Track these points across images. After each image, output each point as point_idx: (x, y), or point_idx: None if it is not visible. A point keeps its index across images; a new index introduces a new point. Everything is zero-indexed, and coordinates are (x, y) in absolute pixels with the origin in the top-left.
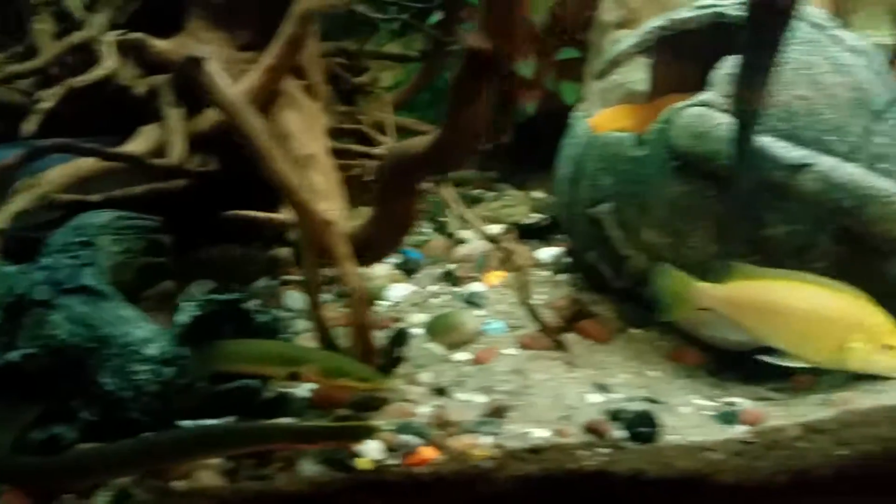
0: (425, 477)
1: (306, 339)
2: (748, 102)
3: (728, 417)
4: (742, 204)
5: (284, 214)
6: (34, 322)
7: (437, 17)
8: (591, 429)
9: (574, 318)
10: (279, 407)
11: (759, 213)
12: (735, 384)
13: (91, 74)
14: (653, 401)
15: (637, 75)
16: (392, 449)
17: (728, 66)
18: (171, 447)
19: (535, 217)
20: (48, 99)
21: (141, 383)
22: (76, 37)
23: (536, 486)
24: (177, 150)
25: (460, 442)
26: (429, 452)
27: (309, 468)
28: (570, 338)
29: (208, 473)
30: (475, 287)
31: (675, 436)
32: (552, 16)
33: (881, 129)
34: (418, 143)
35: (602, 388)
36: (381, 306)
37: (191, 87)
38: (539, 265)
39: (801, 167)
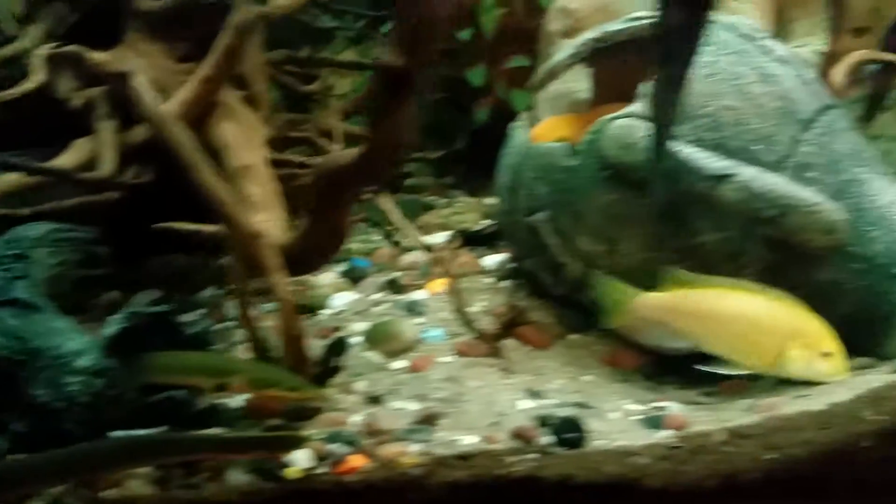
0: (355, 485)
1: (245, 350)
2: (661, 114)
3: (654, 422)
4: (661, 212)
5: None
6: None
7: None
8: (519, 435)
9: (511, 325)
10: (212, 417)
11: (681, 220)
12: (669, 388)
13: (19, 88)
14: (583, 406)
15: (584, 84)
16: (321, 458)
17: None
18: (101, 457)
19: (482, 224)
20: None
21: (73, 395)
22: (8, 49)
23: (466, 493)
24: (107, 164)
25: (390, 450)
26: (358, 461)
27: (238, 477)
28: (508, 344)
29: (138, 482)
30: (418, 295)
31: (601, 441)
32: (501, 25)
33: (808, 137)
34: (347, 155)
35: (535, 394)
36: (324, 315)
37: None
38: (483, 272)
39: (723, 177)
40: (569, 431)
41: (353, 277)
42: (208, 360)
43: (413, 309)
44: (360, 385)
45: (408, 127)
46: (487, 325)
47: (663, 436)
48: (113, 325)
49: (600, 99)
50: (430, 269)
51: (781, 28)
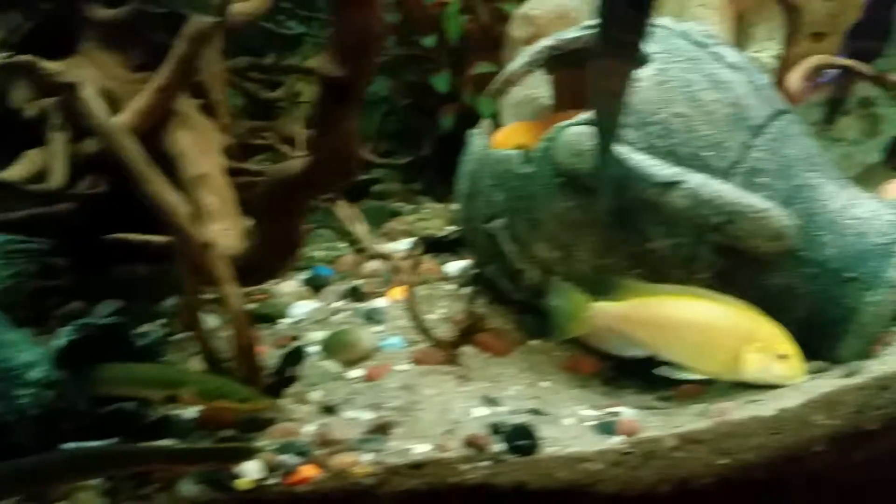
0: (306, 495)
1: (200, 360)
2: (605, 120)
3: (607, 428)
4: (608, 218)
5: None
6: None
7: None
8: (471, 443)
9: (469, 332)
10: (164, 428)
11: (632, 227)
12: (627, 393)
13: None
14: (538, 412)
15: (548, 91)
16: (273, 468)
17: None
18: (50, 469)
19: (446, 230)
20: None
21: (23, 407)
22: None
23: (419, 502)
24: (57, 175)
25: (342, 460)
26: (310, 471)
27: (189, 488)
28: (466, 351)
29: (88, 495)
30: (378, 303)
31: (554, 447)
32: (466, 31)
33: (759, 143)
34: (296, 164)
35: (490, 401)
36: (283, 324)
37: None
38: (446, 278)
39: (671, 184)
40: (520, 438)
41: (315, 286)
42: (158, 372)
43: (372, 317)
44: (316, 395)
45: (357, 136)
46: (446, 332)
47: (615, 441)
48: (62, 337)
49: (560, 105)
50: (392, 277)
51: (742, 33)
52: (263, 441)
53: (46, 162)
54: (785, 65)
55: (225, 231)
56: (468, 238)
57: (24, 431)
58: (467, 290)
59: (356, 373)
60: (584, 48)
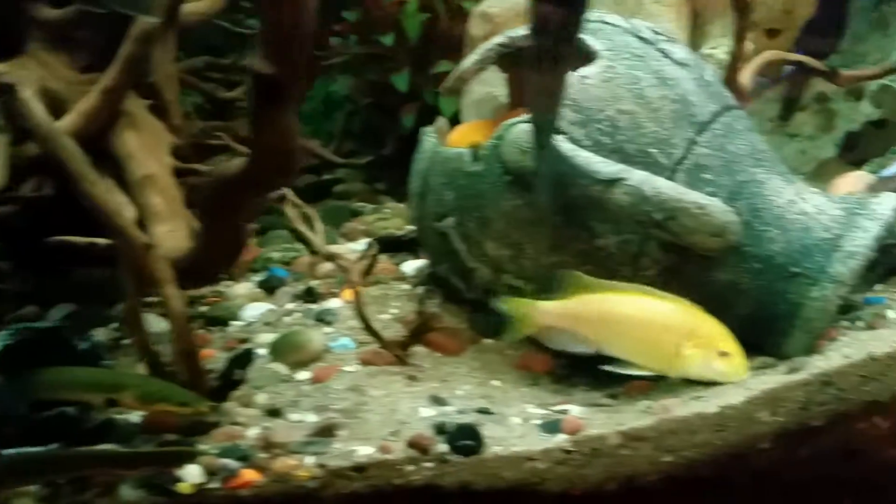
0: (248, 499)
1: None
2: (541, 117)
3: (552, 426)
4: (548, 215)
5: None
6: None
7: None
8: (414, 444)
9: (419, 332)
10: (107, 433)
11: (579, 224)
12: (577, 391)
13: None
14: (485, 411)
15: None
16: (214, 472)
17: None
18: None
19: (405, 230)
20: None
21: None
22: None
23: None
24: None
25: (284, 463)
26: (251, 475)
27: (129, 493)
28: (418, 351)
29: (26, 501)
30: (332, 304)
31: (499, 447)
32: (426, 30)
33: (705, 139)
34: (236, 164)
35: (438, 401)
36: (235, 326)
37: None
38: (402, 278)
39: (614, 181)
40: (464, 438)
41: (270, 287)
42: (97, 376)
43: (324, 318)
44: (262, 398)
45: (296, 133)
46: (396, 332)
47: (560, 440)
48: None
49: (515, 103)
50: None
51: (698, 30)
52: (206, 445)
53: None
54: (735, 61)
55: (171, 232)
56: (421, 237)
57: None
58: (422, 289)
59: (304, 375)
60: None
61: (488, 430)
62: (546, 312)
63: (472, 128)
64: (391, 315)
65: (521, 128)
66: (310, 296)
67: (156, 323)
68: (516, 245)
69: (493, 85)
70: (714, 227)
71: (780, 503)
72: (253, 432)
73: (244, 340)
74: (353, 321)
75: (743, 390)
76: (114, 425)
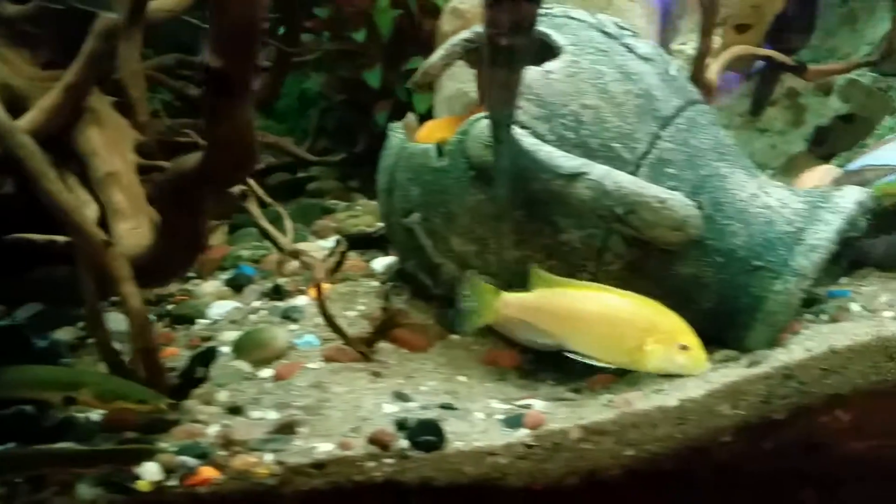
0: (207, 497)
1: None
2: (499, 112)
3: (514, 421)
4: (506, 209)
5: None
6: None
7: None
8: (375, 440)
9: (384, 328)
10: (66, 431)
11: (542, 219)
12: (542, 385)
13: None
14: (448, 407)
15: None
16: (172, 470)
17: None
18: None
19: (376, 227)
20: None
21: None
22: None
23: (325, 500)
24: None
25: (244, 460)
26: (210, 472)
27: (87, 491)
28: (384, 348)
29: None
30: (299, 301)
31: (460, 442)
32: (398, 26)
33: (668, 134)
34: (193, 159)
35: (402, 397)
36: (201, 324)
37: None
38: (372, 275)
39: (575, 176)
40: (425, 434)
41: (237, 285)
42: (55, 374)
43: (290, 315)
44: (223, 395)
45: (252, 127)
46: (363, 329)
47: (521, 435)
48: None
49: (485, 99)
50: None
51: (669, 25)
52: (166, 443)
53: None
54: (702, 57)
55: (134, 230)
56: (389, 234)
57: None
58: (391, 286)
59: (267, 372)
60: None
61: (451, 426)
62: (508, 304)
63: (441, 124)
64: (358, 312)
65: (485, 123)
66: (277, 293)
67: (119, 321)
68: (481, 240)
69: (465, 81)
70: (674, 220)
71: (742, 496)
72: (213, 430)
73: (208, 338)
74: (319, 318)
75: (704, 384)
76: (73, 423)
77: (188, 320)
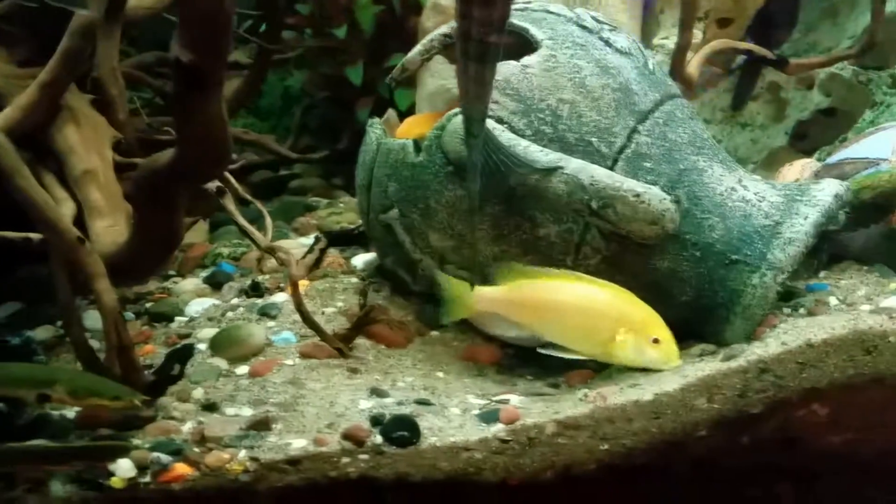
0: (181, 493)
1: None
2: (472, 108)
3: (490, 416)
4: (477, 205)
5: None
6: None
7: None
8: (349, 436)
9: (361, 324)
10: (41, 429)
11: (519, 213)
12: (520, 381)
13: None
14: (425, 402)
15: None
16: (145, 466)
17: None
18: None
19: (356, 224)
20: None
21: None
22: None
23: (300, 496)
24: None
25: (217, 457)
26: (184, 469)
27: (60, 488)
28: (362, 344)
29: None
30: (277, 298)
31: (435, 437)
32: (380, 22)
33: (646, 128)
34: (166, 155)
35: (378, 393)
36: (180, 321)
37: None
38: (352, 271)
39: (551, 170)
40: (400, 430)
41: (217, 282)
42: (28, 371)
43: (268, 312)
44: (199, 392)
45: (224, 122)
46: (341, 325)
47: (497, 430)
48: None
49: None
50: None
51: (651, 20)
52: (140, 439)
53: None
54: (682, 51)
55: (111, 227)
56: (368, 230)
57: None
58: (370, 282)
59: (244, 369)
60: None
61: (426, 421)
62: (482, 298)
63: (421, 120)
64: (336, 308)
65: (461, 118)
66: (255, 290)
67: (97, 319)
68: (459, 235)
69: (447, 78)
70: (651, 214)
71: (718, 491)
72: (188, 427)
73: (186, 336)
74: (297, 315)
75: (679, 378)
76: (47, 421)
77: (166, 318)
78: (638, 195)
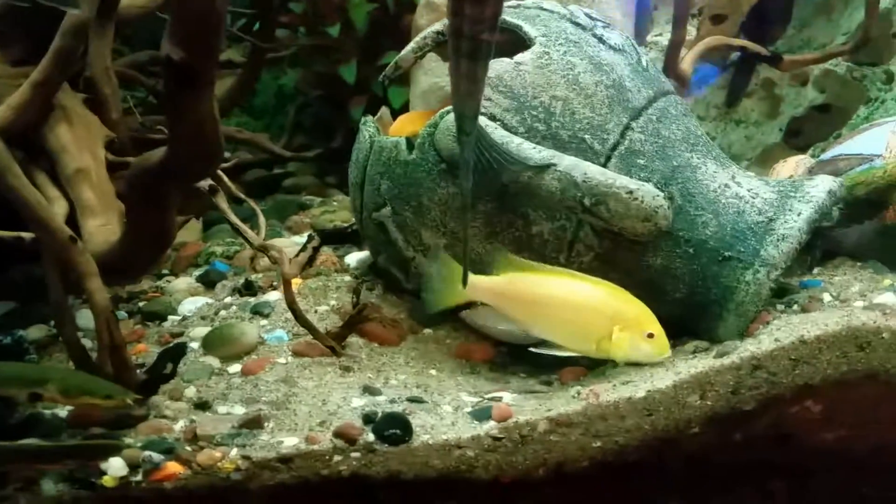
0: (173, 492)
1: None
2: (463, 105)
3: (482, 414)
4: (469, 202)
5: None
6: None
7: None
8: (341, 434)
9: (353, 323)
10: (32, 427)
11: (512, 211)
12: (513, 378)
13: None
14: (417, 400)
15: None
16: (137, 465)
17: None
18: None
19: (350, 222)
20: None
21: None
22: None
23: (292, 495)
24: None
25: (209, 455)
26: (176, 467)
27: (50, 487)
28: (355, 342)
29: None
30: (270, 296)
31: (427, 435)
32: (373, 20)
33: (639, 125)
34: (157, 153)
35: (371, 391)
36: (173, 320)
37: None
38: (345, 270)
39: (545, 167)
40: (392, 428)
41: (210, 281)
42: (19, 370)
43: (260, 311)
44: (191, 391)
45: (216, 120)
46: (334, 323)
47: (489, 427)
48: None
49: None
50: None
51: (645, 17)
52: (132, 438)
53: None
54: (675, 47)
55: (103, 226)
56: (361, 228)
57: None
58: (363, 280)
59: (236, 368)
60: None
61: (419, 419)
62: (477, 287)
63: (413, 117)
64: (329, 307)
65: (454, 116)
66: (248, 289)
67: (90, 318)
68: (452, 233)
69: (440, 76)
70: (644, 211)
71: (712, 487)
72: (180, 425)
73: (179, 335)
74: (289, 313)
75: (672, 374)
76: (39, 420)
77: (159, 317)
78: (631, 192)
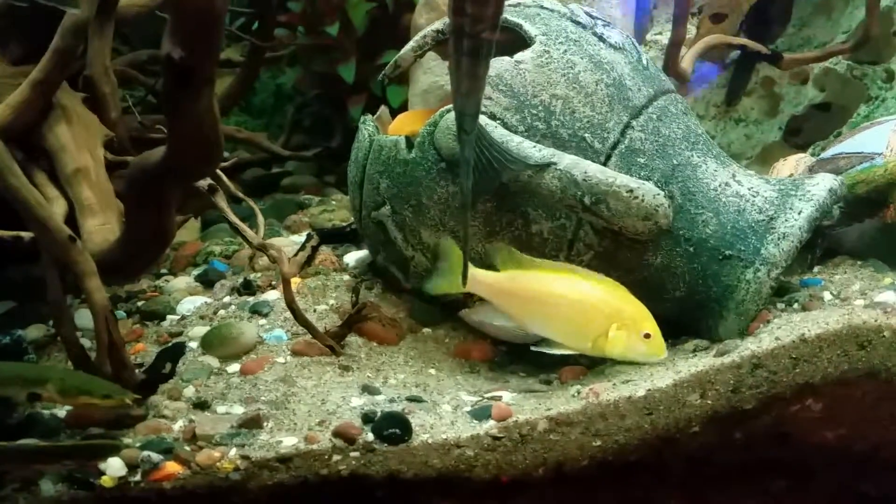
0: (171, 492)
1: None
2: (464, 104)
3: (482, 413)
4: (469, 201)
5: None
6: None
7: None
8: (339, 433)
9: (352, 322)
10: (30, 428)
11: (512, 210)
12: (513, 377)
13: None
14: (417, 399)
15: None
16: (136, 465)
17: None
18: None
19: (349, 222)
20: None
21: None
22: None
23: (291, 494)
24: None
25: (208, 455)
26: (174, 467)
27: (49, 487)
28: (354, 341)
29: None
30: (269, 296)
31: (427, 434)
32: (372, 20)
33: (639, 123)
34: (156, 153)
35: (370, 390)
36: (172, 320)
37: None
38: (344, 269)
39: (545, 166)
40: (391, 427)
41: (208, 281)
42: (18, 370)
43: (259, 310)
44: (190, 391)
45: (215, 120)
46: (333, 323)
47: (488, 426)
48: None
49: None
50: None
51: (645, 16)
52: (131, 438)
53: None
54: (675, 45)
55: (102, 226)
56: (361, 227)
57: None
58: (363, 279)
59: (235, 367)
60: None
61: (418, 418)
62: (477, 280)
63: (412, 116)
64: (328, 306)
65: (453, 114)
66: (247, 288)
67: (89, 317)
68: (452, 232)
69: (440, 75)
70: (644, 210)
71: (712, 487)
72: (179, 425)
73: (177, 334)
74: (288, 313)
75: (672, 373)
76: (38, 419)
77: (158, 316)
78: (631, 191)
